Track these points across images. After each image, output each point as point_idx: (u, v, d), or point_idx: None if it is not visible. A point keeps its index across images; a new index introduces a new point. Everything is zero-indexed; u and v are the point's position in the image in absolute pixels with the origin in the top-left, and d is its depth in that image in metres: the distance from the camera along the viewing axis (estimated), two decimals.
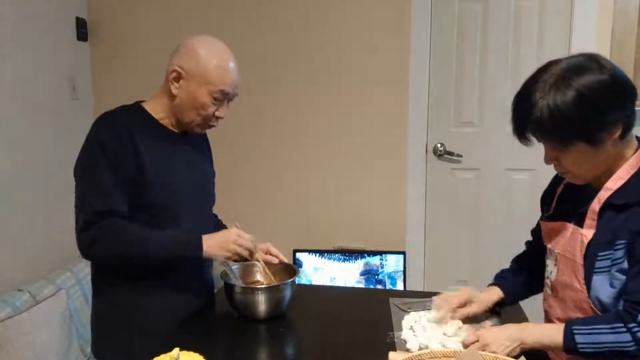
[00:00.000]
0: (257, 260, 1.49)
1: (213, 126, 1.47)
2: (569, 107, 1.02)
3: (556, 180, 1.32)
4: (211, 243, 1.37)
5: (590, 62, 1.07)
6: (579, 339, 1.07)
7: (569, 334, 1.08)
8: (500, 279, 1.42)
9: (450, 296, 1.38)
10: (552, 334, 1.11)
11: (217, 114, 1.42)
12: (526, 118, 1.08)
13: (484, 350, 1.11)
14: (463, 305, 1.36)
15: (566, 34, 2.55)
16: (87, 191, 1.33)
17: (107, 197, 1.31)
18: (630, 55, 2.43)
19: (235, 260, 1.46)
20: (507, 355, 1.11)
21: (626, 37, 2.43)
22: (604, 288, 1.10)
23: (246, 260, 1.47)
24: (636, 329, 1.03)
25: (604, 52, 2.44)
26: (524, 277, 1.41)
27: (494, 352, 1.10)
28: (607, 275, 1.10)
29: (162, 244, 1.35)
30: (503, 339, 1.14)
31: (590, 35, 2.49)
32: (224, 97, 1.41)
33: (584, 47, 2.40)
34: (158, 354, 0.99)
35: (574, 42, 2.52)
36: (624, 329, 1.04)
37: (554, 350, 1.12)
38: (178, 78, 1.38)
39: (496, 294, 1.39)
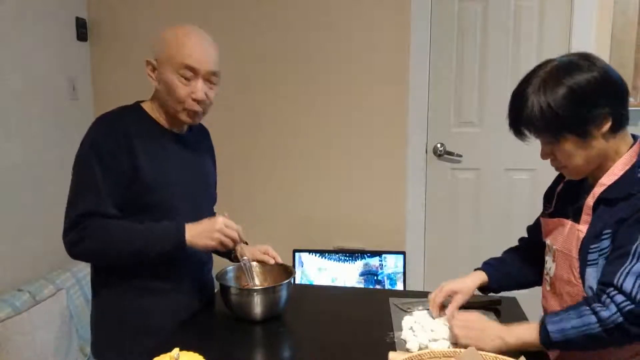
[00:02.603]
0: (242, 255, 1.46)
1: (199, 113, 1.41)
2: (558, 102, 1.08)
3: (558, 179, 1.35)
4: (194, 233, 1.34)
5: (581, 60, 1.11)
6: (550, 327, 1.09)
7: (543, 326, 1.11)
8: (486, 265, 1.45)
9: (433, 297, 1.40)
10: (531, 330, 1.13)
11: (192, 96, 1.36)
12: (519, 113, 1.13)
13: (470, 338, 1.17)
14: (448, 299, 1.39)
15: (566, 34, 2.55)
16: (77, 192, 1.33)
17: (95, 199, 1.30)
18: (630, 55, 2.43)
19: (220, 251, 1.45)
20: (486, 346, 1.14)
21: (626, 37, 2.43)
22: (595, 280, 1.13)
23: (230, 254, 1.47)
24: (599, 308, 1.05)
25: (604, 52, 2.45)
26: (510, 267, 1.43)
27: (475, 337, 1.16)
28: (596, 267, 1.12)
29: (144, 236, 1.33)
30: (489, 331, 1.17)
31: (590, 35, 2.49)
32: (193, 74, 1.36)
33: (584, 47, 2.42)
34: (158, 354, 0.99)
35: (574, 42, 2.52)
36: (589, 311, 1.06)
37: (534, 347, 1.14)
38: (153, 69, 1.39)
39: (479, 278, 1.41)
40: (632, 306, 1.02)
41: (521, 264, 1.42)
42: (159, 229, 1.35)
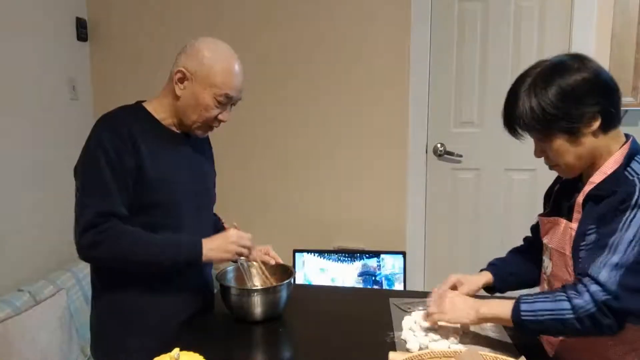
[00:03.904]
0: (255, 260, 1.50)
1: (214, 128, 1.48)
2: (547, 101, 1.11)
3: (558, 179, 1.36)
4: (212, 247, 1.37)
5: (573, 61, 1.14)
6: (523, 307, 1.12)
7: (516, 303, 1.13)
8: (491, 265, 1.46)
9: (441, 286, 1.40)
10: (505, 306, 1.15)
11: (219, 117, 1.43)
12: (511, 112, 1.17)
13: (442, 311, 1.24)
14: (453, 288, 1.40)
15: (566, 34, 2.55)
16: (88, 193, 1.33)
17: (108, 198, 1.31)
18: (630, 55, 2.43)
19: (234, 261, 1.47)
20: (460, 317, 1.21)
21: (626, 37, 2.43)
22: None
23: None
24: (573, 295, 1.07)
25: (604, 51, 2.45)
26: (515, 267, 1.44)
27: (448, 310, 1.23)
28: None
29: (161, 248, 1.35)
30: (462, 304, 1.24)
31: (590, 35, 2.49)
32: (227, 101, 1.41)
33: (584, 47, 2.42)
34: (158, 354, 0.99)
35: (574, 42, 2.52)
36: (564, 297, 1.08)
37: (505, 323, 1.17)
38: (183, 79, 1.38)
39: (485, 277, 1.42)
40: (607, 297, 1.03)
41: (524, 264, 1.43)
42: (177, 242, 1.37)
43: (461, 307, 1.23)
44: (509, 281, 1.44)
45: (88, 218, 1.30)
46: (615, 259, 1.05)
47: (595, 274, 1.05)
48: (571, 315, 1.06)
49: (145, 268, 1.36)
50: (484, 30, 2.63)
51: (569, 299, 1.07)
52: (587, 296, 1.05)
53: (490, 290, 1.44)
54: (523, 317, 1.12)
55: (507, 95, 1.20)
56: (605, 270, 1.05)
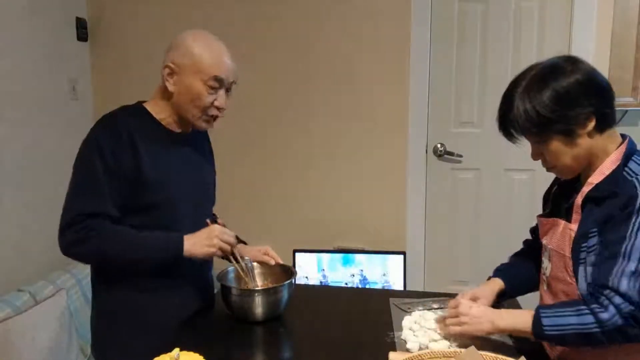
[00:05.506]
0: (236, 260, 1.47)
1: (217, 117, 1.46)
2: (542, 104, 1.12)
3: (556, 180, 1.35)
4: (194, 241, 1.36)
5: (565, 63, 1.14)
6: (545, 321, 1.11)
7: (536, 318, 1.12)
8: (499, 272, 1.45)
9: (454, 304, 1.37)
10: (524, 318, 1.15)
11: (216, 103, 1.41)
12: (507, 115, 1.18)
13: (457, 318, 1.22)
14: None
15: (566, 34, 2.55)
16: (79, 191, 1.33)
17: (98, 198, 1.30)
18: (630, 55, 2.43)
19: (222, 257, 1.45)
20: (476, 330, 1.19)
21: (626, 37, 2.43)
22: (584, 278, 1.14)
23: (228, 259, 1.46)
24: (598, 310, 1.06)
25: (604, 51, 2.45)
26: (522, 271, 1.43)
27: (464, 323, 1.20)
28: (584, 265, 1.14)
29: (144, 246, 1.35)
30: (479, 315, 1.21)
31: (590, 35, 2.49)
32: (219, 85, 1.39)
33: (584, 47, 2.42)
34: (158, 354, 0.99)
35: (574, 42, 2.52)
36: (587, 311, 1.07)
37: (524, 334, 1.16)
38: (172, 74, 1.38)
39: (497, 284, 1.41)
40: (631, 307, 1.03)
41: (529, 267, 1.41)
42: (159, 239, 1.36)
43: (477, 319, 1.21)
44: (519, 286, 1.42)
45: (73, 215, 1.30)
46: (631, 266, 1.04)
47: (616, 286, 1.05)
48: (598, 330, 1.05)
49: (129, 266, 1.36)
50: (484, 30, 2.63)
51: (594, 313, 1.06)
52: (612, 309, 1.04)
53: (501, 296, 1.42)
54: (546, 332, 1.10)
55: (501, 99, 1.21)
56: (624, 280, 1.04)
